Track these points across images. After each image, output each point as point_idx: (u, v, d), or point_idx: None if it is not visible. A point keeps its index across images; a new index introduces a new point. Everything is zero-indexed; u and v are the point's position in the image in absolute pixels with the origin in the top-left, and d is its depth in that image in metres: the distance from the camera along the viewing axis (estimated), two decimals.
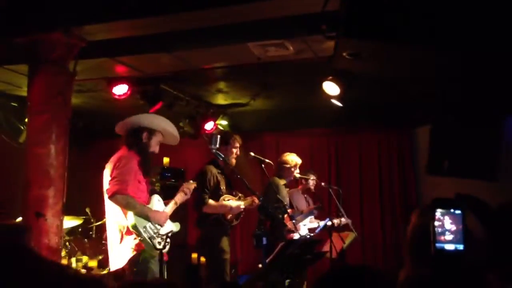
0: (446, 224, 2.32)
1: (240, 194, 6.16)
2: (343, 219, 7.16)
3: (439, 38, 2.93)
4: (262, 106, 8.76)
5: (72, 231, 7.89)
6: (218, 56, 6.35)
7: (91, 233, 8.13)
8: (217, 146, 5.26)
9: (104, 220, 5.91)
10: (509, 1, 2.92)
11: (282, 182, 6.90)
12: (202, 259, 6.65)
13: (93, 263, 7.63)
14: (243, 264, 9.60)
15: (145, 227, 4.70)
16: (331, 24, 4.03)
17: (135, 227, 4.64)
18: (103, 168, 4.93)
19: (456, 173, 3.14)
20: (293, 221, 6.27)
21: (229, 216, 5.97)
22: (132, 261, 4.71)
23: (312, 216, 7.40)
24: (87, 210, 8.05)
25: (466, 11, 2.90)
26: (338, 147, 9.89)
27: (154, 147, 5.07)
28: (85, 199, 8.07)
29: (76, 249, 7.70)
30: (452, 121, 3.08)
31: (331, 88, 6.63)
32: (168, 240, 4.81)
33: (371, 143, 9.61)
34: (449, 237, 2.31)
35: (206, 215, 5.89)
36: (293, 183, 7.49)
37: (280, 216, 6.39)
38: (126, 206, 4.69)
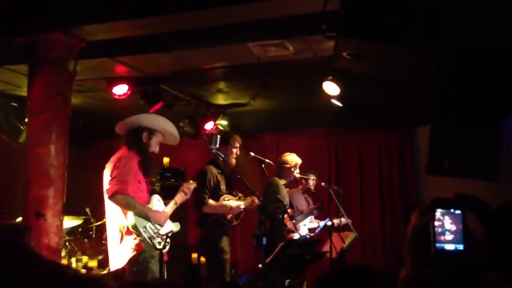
0: (446, 224, 2.32)
1: (240, 194, 6.16)
2: (343, 219, 7.16)
3: (439, 38, 2.93)
4: (262, 106, 8.76)
5: (72, 231, 7.89)
6: (218, 56, 6.35)
7: (91, 233, 8.13)
8: (217, 146, 5.26)
9: (104, 220, 5.91)
10: (509, 1, 2.92)
11: (282, 182, 6.90)
12: (202, 259, 6.65)
13: (93, 263, 7.63)
14: (243, 264, 9.61)
15: (145, 227, 4.70)
16: (331, 24, 4.03)
17: (135, 227, 4.64)
18: (103, 168, 4.93)
19: (456, 173, 3.14)
20: (293, 221, 6.27)
21: (229, 216, 5.97)
22: (132, 261, 4.71)
23: (312, 216, 7.40)
24: (87, 210, 8.05)
25: (466, 11, 2.90)
26: (338, 147, 9.89)
27: (154, 147, 5.07)
28: (85, 199, 8.07)
29: (76, 249, 7.70)
30: (452, 121, 3.08)
31: (331, 88, 6.63)
32: (168, 240, 4.81)
33: (371, 143, 9.61)
34: (449, 237, 2.31)
35: (206, 215, 5.89)
36: (293, 183, 7.49)
37: (280, 216, 6.39)
38: (126, 206, 4.69)
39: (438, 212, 2.33)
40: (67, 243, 7.51)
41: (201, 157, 9.05)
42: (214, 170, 6.02)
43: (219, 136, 5.34)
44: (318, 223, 7.11)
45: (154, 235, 4.72)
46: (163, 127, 5.13)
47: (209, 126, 8.68)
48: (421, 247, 2.38)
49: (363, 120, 9.16)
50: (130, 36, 5.67)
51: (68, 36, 5.44)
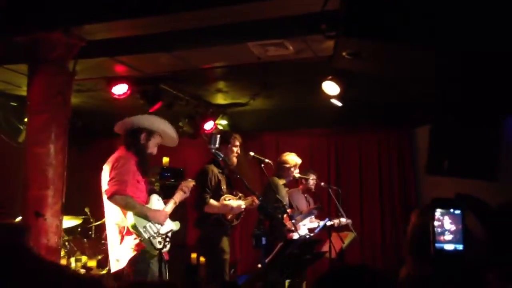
0: (446, 224, 2.32)
1: (240, 194, 6.15)
2: (342, 219, 7.16)
3: (439, 38, 2.93)
4: (262, 106, 8.76)
5: (71, 230, 7.88)
6: (218, 55, 6.35)
7: (90, 233, 8.12)
8: (217, 145, 5.25)
9: (103, 220, 5.90)
10: (509, 1, 2.92)
11: (281, 182, 6.90)
12: (202, 259, 6.64)
13: (92, 263, 7.62)
14: (242, 264, 9.61)
15: (145, 227, 4.70)
16: (331, 24, 4.03)
17: (135, 227, 4.64)
18: (102, 168, 4.93)
19: (456, 173, 3.14)
20: (292, 221, 6.27)
21: (229, 216, 5.96)
22: (133, 261, 4.71)
23: (312, 216, 7.40)
24: (87, 209, 8.05)
25: (466, 11, 2.90)
26: (338, 147, 9.89)
27: (152, 149, 5.07)
28: (85, 199, 8.07)
29: (75, 249, 7.69)
30: (452, 121, 3.07)
31: (330, 87, 6.63)
32: (168, 239, 4.80)
33: (371, 143, 9.61)
34: (448, 237, 2.31)
35: (207, 215, 5.86)
36: (292, 183, 7.48)
37: (280, 216, 6.38)
38: (125, 206, 4.69)
39: (438, 212, 2.33)
40: (66, 243, 7.51)
41: (200, 157, 9.03)
42: (215, 170, 6.00)
43: (218, 136, 5.34)
44: (318, 223, 7.11)
45: (154, 235, 4.72)
46: (162, 129, 5.13)
47: (208, 126, 8.68)
48: (421, 247, 2.38)
49: (363, 120, 9.15)
50: (130, 35, 5.67)
51: (68, 36, 5.44)
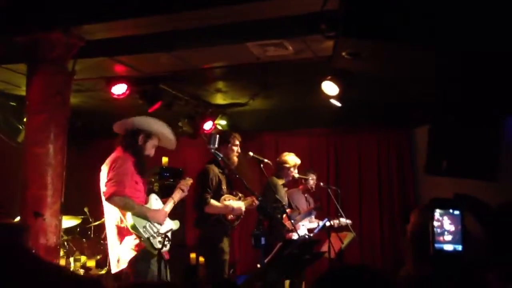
0: (445, 225, 2.32)
1: (240, 194, 6.13)
2: (342, 220, 7.16)
3: (439, 38, 2.93)
4: (261, 106, 8.76)
5: (70, 230, 7.87)
6: (217, 55, 6.35)
7: (89, 233, 8.11)
8: (216, 145, 5.24)
9: (102, 220, 5.90)
10: (509, 1, 2.92)
11: (280, 182, 6.90)
12: (201, 259, 6.63)
13: (91, 263, 7.62)
14: (241, 264, 9.60)
15: (144, 227, 4.70)
16: (330, 24, 4.02)
17: (134, 227, 4.64)
18: (101, 168, 4.93)
19: (455, 173, 3.14)
20: (292, 221, 6.26)
21: (230, 217, 5.94)
22: (133, 261, 4.71)
23: (312, 216, 7.40)
24: (86, 209, 8.04)
25: (466, 11, 2.89)
26: (337, 147, 9.89)
27: (150, 150, 5.07)
28: (84, 199, 8.06)
29: (74, 249, 7.68)
30: (452, 121, 3.07)
31: (330, 88, 6.63)
32: (168, 238, 4.79)
33: (370, 143, 9.61)
34: (448, 237, 2.31)
35: (207, 215, 5.83)
36: (291, 183, 7.48)
37: (279, 216, 6.37)
38: (124, 207, 4.69)
39: (437, 213, 2.33)
40: (66, 243, 7.50)
41: (200, 157, 9.05)
42: (216, 170, 5.97)
43: (218, 136, 5.32)
44: (318, 223, 7.10)
45: (154, 235, 4.72)
46: (160, 132, 5.13)
47: (208, 126, 8.68)
48: (421, 247, 2.38)
49: (362, 120, 9.15)
50: (129, 35, 5.67)
51: (68, 36, 5.44)
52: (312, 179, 7.65)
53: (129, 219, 4.65)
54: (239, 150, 6.17)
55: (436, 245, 2.29)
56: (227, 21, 5.26)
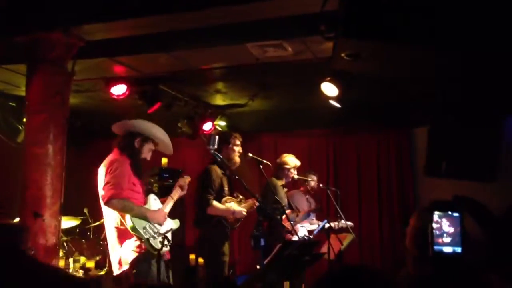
0: (444, 227, 2.32)
1: (241, 196, 6.11)
2: (342, 222, 7.15)
3: (439, 38, 2.92)
4: (261, 107, 8.76)
5: (70, 231, 7.87)
6: (217, 56, 6.35)
7: (89, 233, 8.10)
8: (215, 146, 5.24)
9: (102, 220, 5.89)
10: (509, 1, 2.91)
11: (280, 183, 6.89)
12: (201, 260, 6.62)
13: (90, 264, 7.61)
14: (241, 265, 9.59)
15: (144, 228, 4.70)
16: (329, 24, 4.02)
17: (134, 229, 4.63)
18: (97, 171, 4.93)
19: (455, 174, 3.13)
20: (291, 222, 6.25)
21: (230, 219, 5.92)
22: (135, 262, 4.71)
23: (313, 218, 7.40)
24: (85, 210, 8.03)
25: (466, 11, 2.89)
26: (337, 148, 9.88)
27: (146, 154, 5.07)
28: (83, 199, 8.03)
29: (74, 249, 7.67)
30: (451, 121, 3.07)
31: (329, 89, 6.63)
32: (169, 237, 4.77)
33: (370, 143, 9.61)
34: (447, 239, 2.31)
35: (209, 217, 5.80)
36: (291, 184, 7.47)
37: (278, 217, 6.36)
38: (123, 209, 4.69)
39: (436, 215, 2.33)
40: (65, 244, 7.49)
41: (199, 158, 9.06)
42: (219, 171, 5.94)
43: (217, 137, 5.32)
44: (318, 224, 7.10)
45: (155, 235, 4.72)
46: (157, 137, 5.14)
47: (207, 126, 8.68)
48: (421, 249, 2.38)
49: (361, 121, 9.15)
50: (129, 36, 5.66)
51: (68, 36, 5.44)
52: (313, 181, 7.65)
53: (129, 221, 4.65)
54: (241, 150, 6.14)
55: (435, 247, 2.29)
56: (227, 22, 5.25)
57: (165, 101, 7.65)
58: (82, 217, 7.98)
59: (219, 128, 8.85)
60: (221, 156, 5.53)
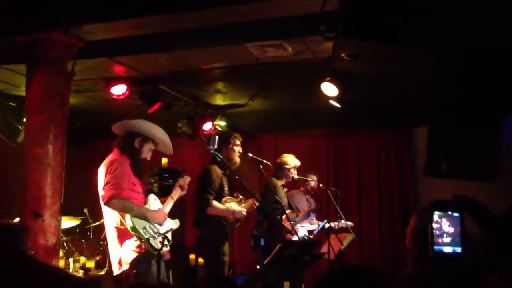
0: (444, 227, 2.32)
1: (241, 196, 6.11)
2: (342, 222, 7.15)
3: (439, 38, 2.92)
4: (261, 107, 8.76)
5: (70, 231, 7.87)
6: (217, 56, 6.34)
7: (89, 233, 8.10)
8: (215, 146, 5.23)
9: (102, 220, 5.89)
10: (509, 1, 2.91)
11: (280, 182, 6.89)
12: (201, 260, 6.62)
13: (90, 264, 7.61)
14: (241, 265, 9.59)
15: (144, 228, 4.69)
16: (329, 25, 4.02)
17: (134, 229, 4.63)
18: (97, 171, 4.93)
19: (455, 174, 3.13)
20: (291, 222, 6.25)
21: (230, 219, 5.91)
22: (134, 263, 4.71)
23: (314, 218, 7.39)
24: (85, 210, 8.03)
25: (466, 11, 2.89)
26: (337, 148, 9.88)
27: (146, 154, 5.07)
28: (83, 199, 8.03)
29: (74, 249, 7.67)
30: (451, 121, 3.07)
31: (329, 89, 6.62)
32: (169, 237, 4.77)
33: (370, 143, 9.61)
34: (447, 239, 2.31)
35: (209, 217, 5.80)
36: (291, 184, 7.47)
37: (278, 217, 6.35)
38: (122, 209, 4.69)
39: (436, 215, 2.33)
40: (65, 244, 7.49)
41: (199, 158, 9.06)
42: (219, 171, 5.94)
43: (217, 137, 5.32)
44: (319, 224, 7.10)
45: (155, 235, 4.72)
46: (157, 137, 5.14)
47: (207, 126, 8.67)
48: (421, 249, 2.38)
49: (361, 121, 9.15)
50: (129, 36, 5.66)
51: (68, 36, 5.44)
52: (312, 181, 7.65)
53: (129, 221, 4.65)
54: (241, 150, 6.14)
55: (435, 247, 2.29)
56: (227, 22, 5.25)
57: (165, 101, 7.65)
58: (82, 217, 7.98)
59: (219, 128, 8.85)
60: (221, 156, 5.53)
